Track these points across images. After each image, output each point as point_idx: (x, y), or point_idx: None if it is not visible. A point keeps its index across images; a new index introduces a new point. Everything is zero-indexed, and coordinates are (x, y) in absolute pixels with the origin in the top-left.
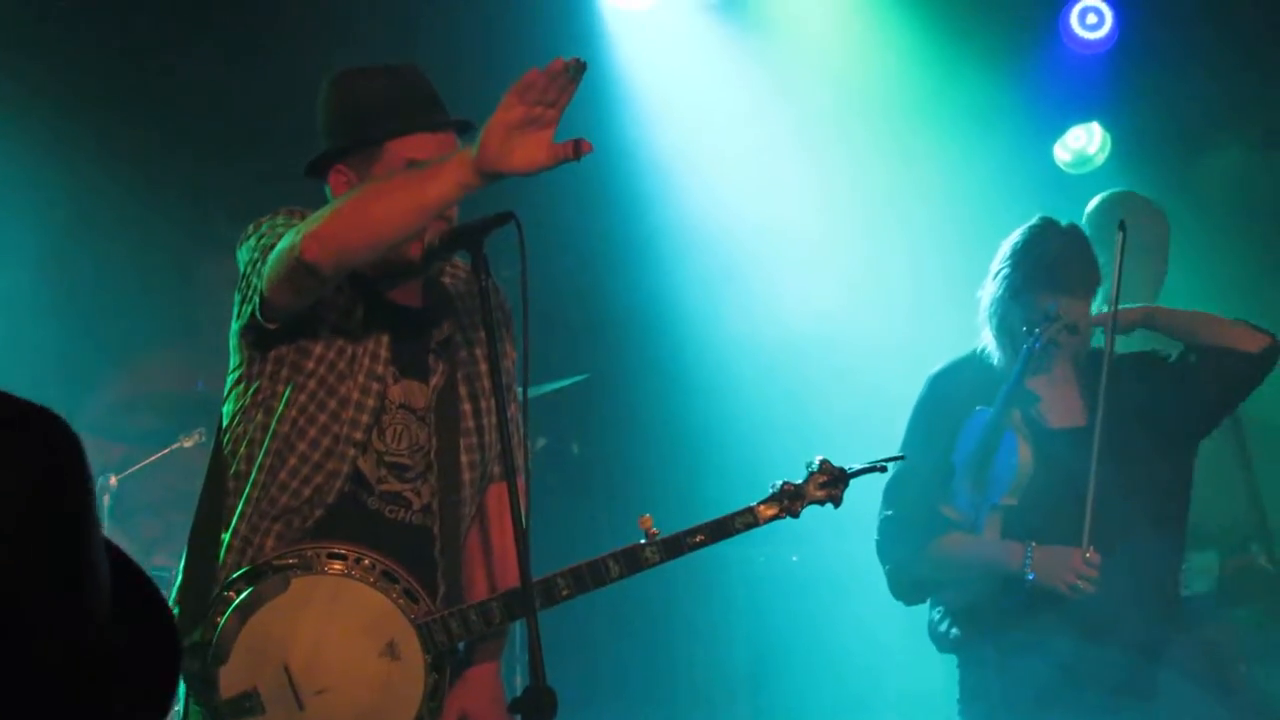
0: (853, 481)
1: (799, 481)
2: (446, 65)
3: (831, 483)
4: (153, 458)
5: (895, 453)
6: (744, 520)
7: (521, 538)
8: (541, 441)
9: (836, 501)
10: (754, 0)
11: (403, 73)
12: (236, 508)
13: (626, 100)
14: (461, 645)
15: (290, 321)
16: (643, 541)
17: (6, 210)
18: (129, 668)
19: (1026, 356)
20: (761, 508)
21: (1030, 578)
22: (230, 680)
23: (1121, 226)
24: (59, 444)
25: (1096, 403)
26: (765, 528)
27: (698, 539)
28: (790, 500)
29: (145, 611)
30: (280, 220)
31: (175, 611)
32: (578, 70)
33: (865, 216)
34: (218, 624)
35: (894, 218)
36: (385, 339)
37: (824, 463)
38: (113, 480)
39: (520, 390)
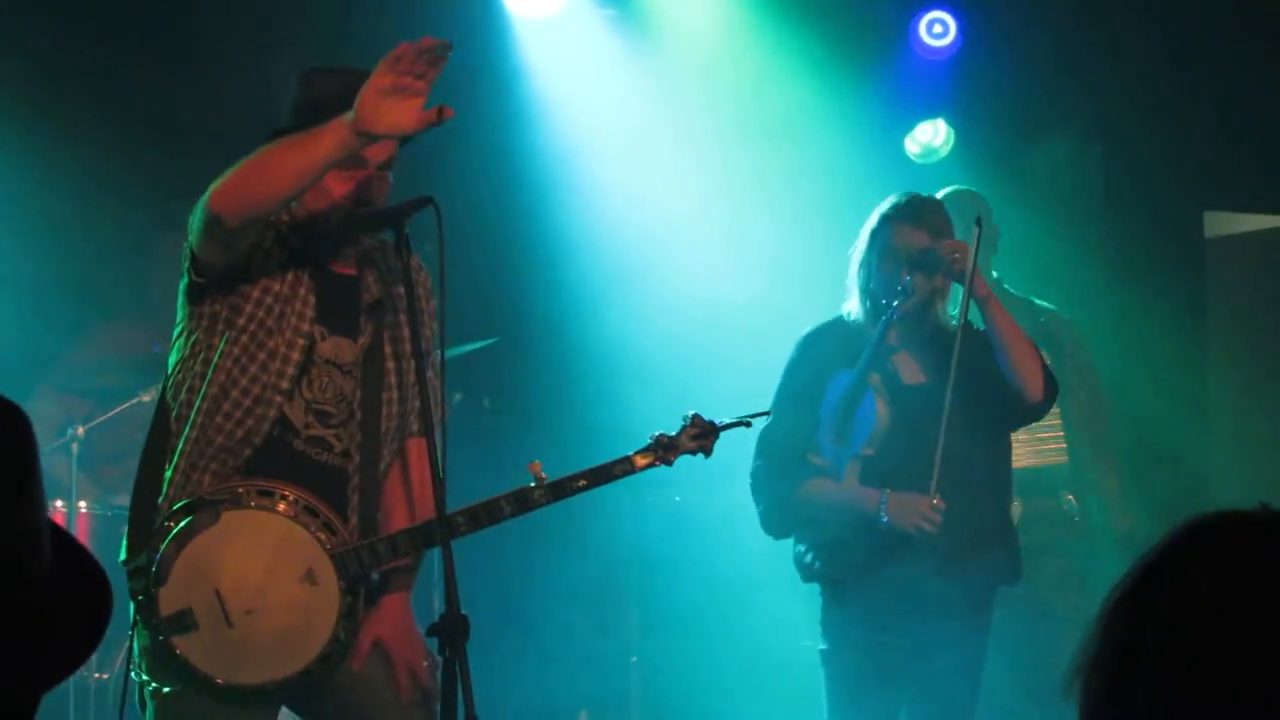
0: (723, 434)
1: (673, 433)
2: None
3: (702, 435)
4: (115, 411)
5: (763, 408)
6: (622, 468)
7: (439, 485)
8: (457, 397)
9: (707, 451)
10: (645, 12)
11: (357, 74)
12: (178, 447)
13: (531, 97)
14: (375, 575)
15: (222, 279)
16: (532, 484)
17: None
18: (63, 616)
19: (884, 327)
20: (638, 457)
21: (884, 520)
22: (169, 600)
23: (978, 222)
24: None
25: (942, 365)
26: (653, 472)
27: (580, 483)
28: (664, 450)
29: (80, 569)
30: None
31: (124, 539)
32: (443, 50)
33: (737, 203)
34: (159, 550)
35: (762, 203)
36: (313, 300)
37: (696, 416)
38: (81, 430)
39: (439, 354)
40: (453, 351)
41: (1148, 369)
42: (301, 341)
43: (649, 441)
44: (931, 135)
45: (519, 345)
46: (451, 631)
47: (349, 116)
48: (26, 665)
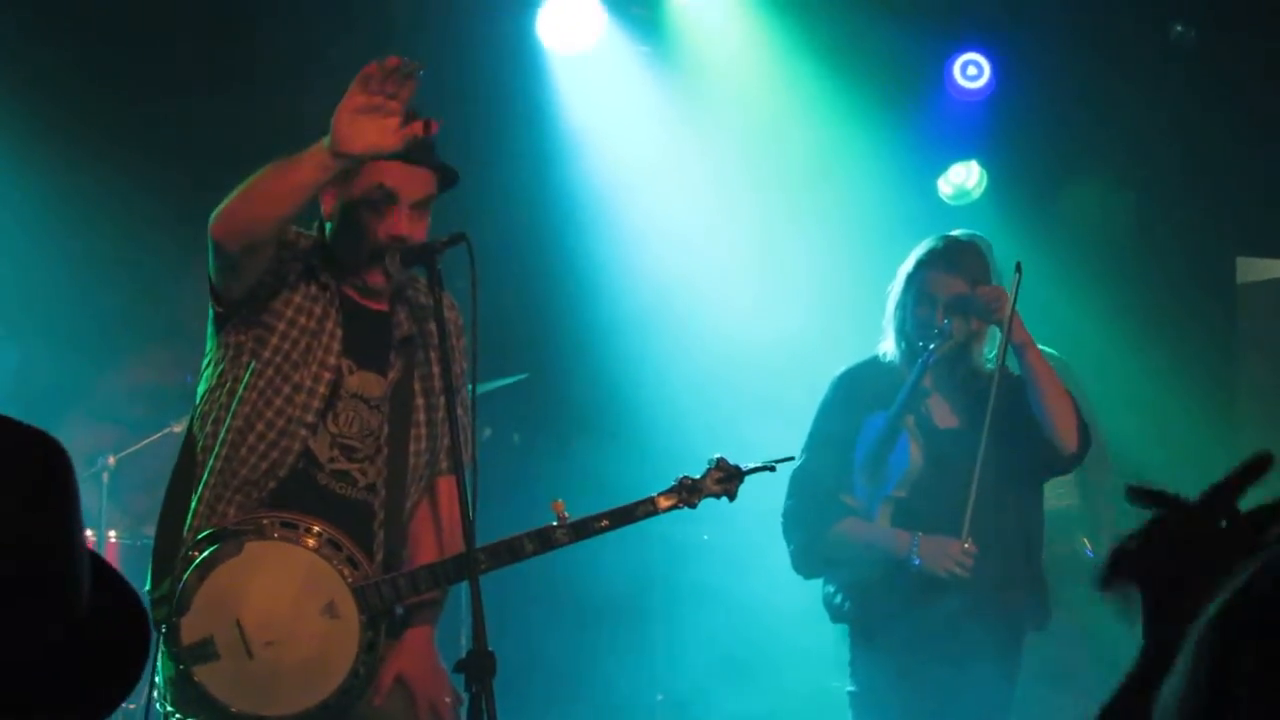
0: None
1: (697, 476)
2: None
3: (726, 479)
4: (146, 441)
5: (797, 445)
6: (645, 509)
7: (469, 522)
8: (487, 432)
9: (731, 495)
10: (679, 50)
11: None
12: (203, 477)
13: (565, 133)
14: (400, 609)
15: (247, 309)
16: (554, 524)
17: (22, 228)
18: (102, 656)
19: (921, 369)
20: (661, 498)
21: (916, 563)
22: (190, 629)
23: (1018, 268)
24: (48, 465)
25: (976, 408)
26: (680, 511)
27: (603, 523)
28: (688, 493)
29: (120, 607)
30: None
31: (149, 567)
32: (409, 68)
33: (770, 241)
34: (182, 579)
35: (795, 242)
36: (341, 334)
37: (721, 460)
38: (111, 460)
39: (470, 391)
40: (483, 387)
41: (1178, 415)
42: (328, 375)
43: (673, 483)
44: (964, 177)
45: (549, 381)
46: (478, 668)
47: (326, 140)
48: (64, 707)
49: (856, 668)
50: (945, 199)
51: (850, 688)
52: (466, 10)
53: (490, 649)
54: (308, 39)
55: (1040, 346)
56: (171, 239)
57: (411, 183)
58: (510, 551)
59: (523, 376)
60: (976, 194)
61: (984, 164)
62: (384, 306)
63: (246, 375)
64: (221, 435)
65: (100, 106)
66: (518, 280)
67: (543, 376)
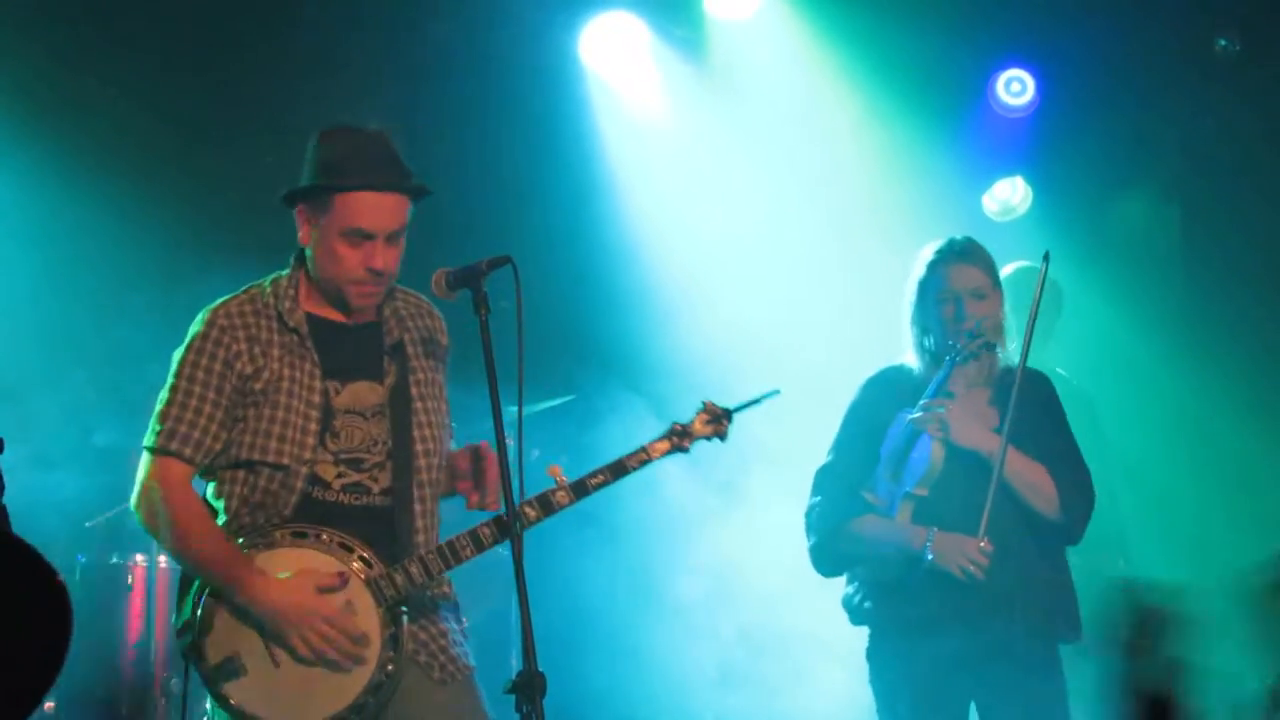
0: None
1: (687, 421)
2: (449, 128)
3: (715, 420)
4: None
5: (828, 436)
6: (638, 458)
7: (517, 538)
8: (535, 453)
9: (722, 435)
10: (723, 68)
11: (370, 135)
12: (218, 516)
13: (611, 154)
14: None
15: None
16: (554, 486)
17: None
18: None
19: (949, 368)
20: (654, 445)
21: (929, 558)
22: (215, 649)
23: (1045, 257)
24: None
25: (1004, 414)
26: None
27: (599, 479)
28: (679, 437)
29: (31, 590)
30: (188, 360)
31: (176, 596)
32: None
33: (822, 259)
34: (200, 601)
35: (849, 258)
36: (319, 370)
37: (708, 403)
38: None
39: (517, 411)
40: (531, 408)
41: (1227, 429)
42: (318, 400)
43: (664, 431)
44: (1010, 193)
45: (597, 402)
46: (529, 688)
47: (241, 598)
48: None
49: (878, 670)
50: (991, 216)
51: (874, 688)
52: (509, 34)
53: (540, 670)
54: (351, 77)
55: (1058, 370)
56: (220, 270)
57: (383, 218)
58: (502, 527)
59: (570, 398)
60: (1022, 210)
61: (1029, 180)
62: (371, 317)
63: (245, 417)
64: (230, 473)
65: (161, 157)
66: (565, 301)
67: (590, 397)
